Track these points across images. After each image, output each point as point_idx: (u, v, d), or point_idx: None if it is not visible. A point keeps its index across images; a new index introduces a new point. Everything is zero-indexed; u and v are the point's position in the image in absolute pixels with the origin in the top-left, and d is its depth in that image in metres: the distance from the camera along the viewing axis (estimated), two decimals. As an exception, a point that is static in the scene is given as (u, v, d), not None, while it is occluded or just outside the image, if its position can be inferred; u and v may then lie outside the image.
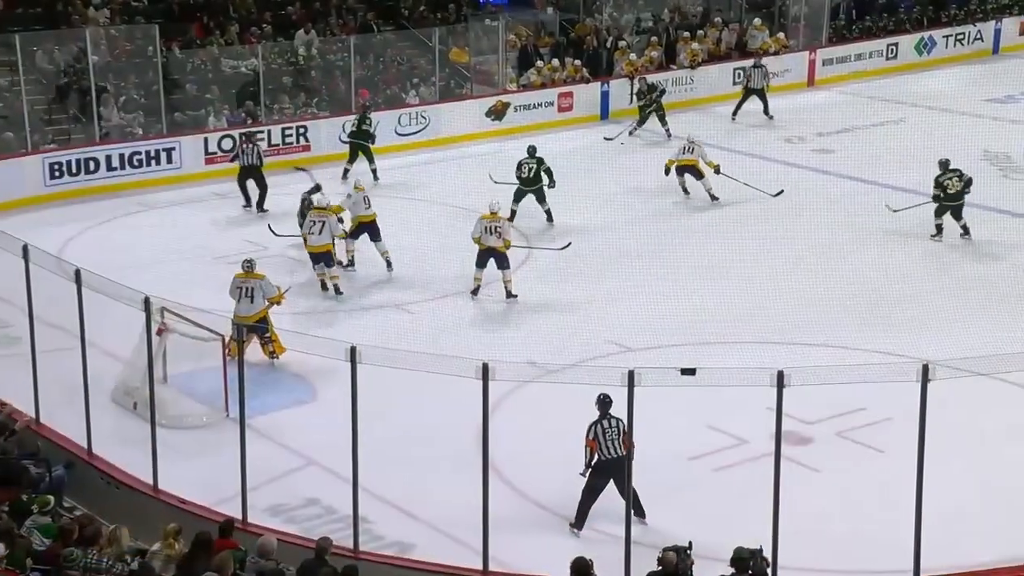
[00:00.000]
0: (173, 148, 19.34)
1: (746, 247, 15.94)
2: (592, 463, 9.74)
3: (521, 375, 11.42)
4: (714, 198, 17.91)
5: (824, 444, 11.22)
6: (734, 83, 23.94)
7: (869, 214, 17.33)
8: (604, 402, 9.72)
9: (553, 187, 16.73)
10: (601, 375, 8.86)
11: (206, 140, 19.65)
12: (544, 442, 11.15)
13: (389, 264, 15.28)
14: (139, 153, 19.11)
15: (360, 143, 19.41)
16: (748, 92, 22.73)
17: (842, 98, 24.23)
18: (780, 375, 8.32)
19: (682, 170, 18.03)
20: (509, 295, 14.36)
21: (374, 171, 19.25)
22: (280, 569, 8.13)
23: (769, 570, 8.39)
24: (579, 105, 22.66)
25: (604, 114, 22.93)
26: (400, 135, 20.99)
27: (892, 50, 26.15)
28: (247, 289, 12.68)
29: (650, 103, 21.35)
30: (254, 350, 12.49)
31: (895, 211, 16.01)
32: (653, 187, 18.51)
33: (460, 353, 12.36)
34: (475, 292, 14.43)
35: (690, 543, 8.56)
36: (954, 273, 15.19)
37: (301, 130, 20.38)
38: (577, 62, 23.07)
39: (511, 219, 16.10)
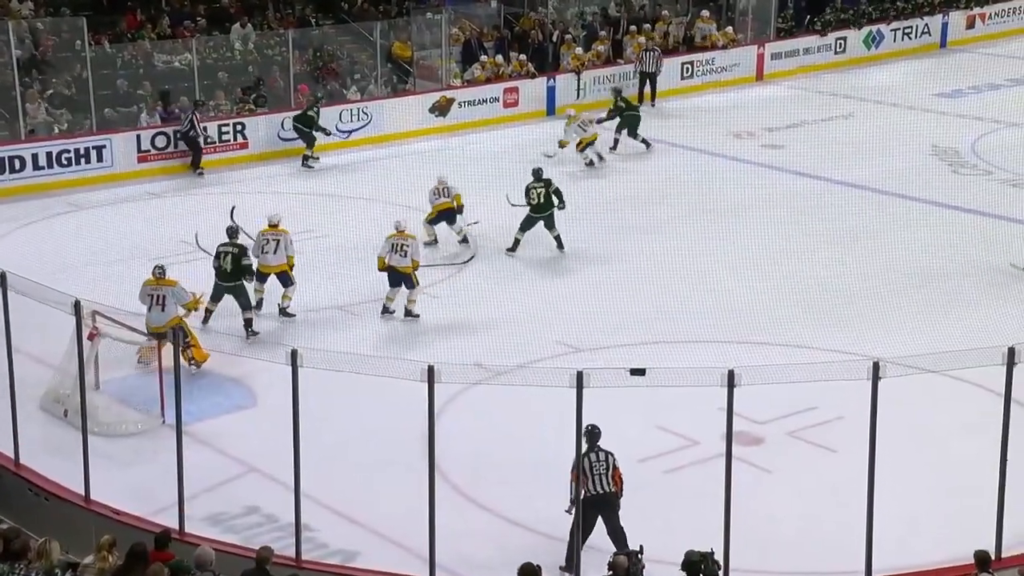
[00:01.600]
0: (104, 146, 19.08)
1: (695, 244, 16.07)
2: (577, 499, 9.08)
3: (467, 377, 11.41)
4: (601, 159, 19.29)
5: (776, 444, 11.34)
6: (682, 78, 24.14)
7: (819, 210, 17.57)
8: (592, 434, 9.25)
9: (563, 208, 15.86)
10: (549, 376, 8.87)
11: (138, 138, 19.41)
12: (491, 445, 11.17)
13: (465, 239, 15.89)
14: (68, 151, 18.83)
15: (302, 128, 19.75)
16: (643, 76, 23.08)
17: (791, 93, 24.51)
18: (731, 374, 8.39)
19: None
20: (408, 314, 13.90)
21: (305, 158, 19.74)
22: None
23: (720, 573, 8.45)
24: (525, 100, 22.70)
25: (551, 109, 22.98)
26: (341, 131, 20.88)
27: (841, 44, 26.50)
28: (158, 297, 12.40)
29: (621, 111, 20.52)
30: (165, 357, 12.20)
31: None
32: (602, 183, 18.60)
33: (405, 355, 12.41)
34: (384, 311, 13.94)
35: (640, 547, 8.60)
36: (904, 270, 15.42)
37: (239, 127, 20.22)
38: (522, 57, 23.11)
39: (513, 249, 15.77)
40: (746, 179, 19.12)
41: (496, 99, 22.56)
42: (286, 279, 13.98)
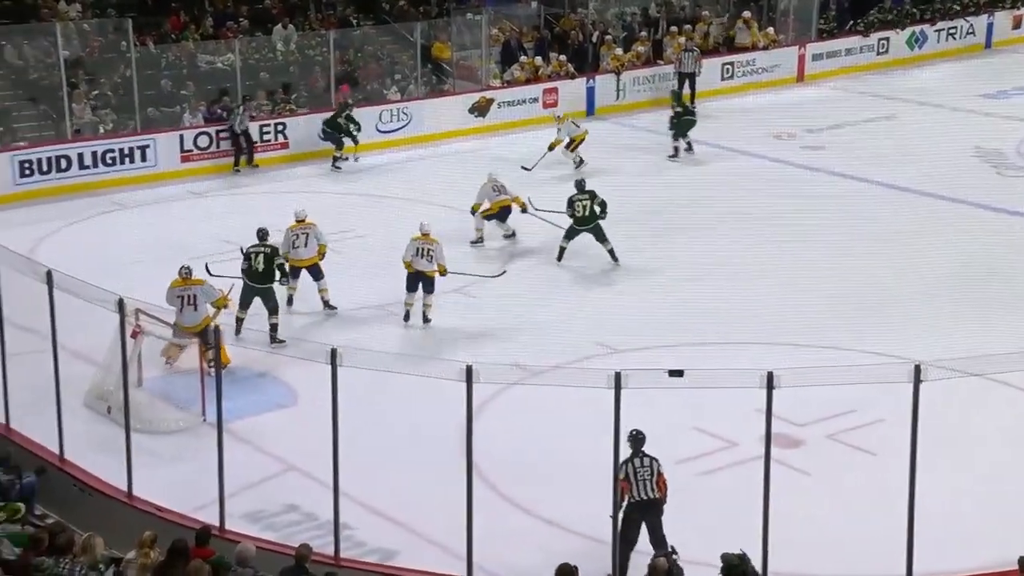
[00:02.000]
0: (147, 146, 19.26)
1: (734, 246, 15.99)
2: (623, 505, 9.02)
3: (506, 377, 11.42)
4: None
5: (815, 446, 11.26)
6: (722, 79, 24.03)
7: (859, 212, 17.42)
8: (637, 439, 9.22)
9: (604, 218, 15.42)
10: (587, 377, 8.85)
11: (181, 137, 19.59)
12: (529, 446, 11.17)
13: (513, 235, 16.05)
14: (112, 151, 19.03)
15: (330, 132, 19.84)
16: (682, 77, 22.89)
17: (832, 94, 24.34)
18: (770, 376, 8.34)
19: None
20: (426, 320, 13.74)
21: (335, 159, 19.77)
22: None
23: None
24: (564, 101, 22.68)
25: (590, 110, 22.96)
26: (381, 132, 20.97)
27: (883, 45, 26.27)
28: (189, 297, 12.42)
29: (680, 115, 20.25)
30: (189, 358, 12.31)
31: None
32: (640, 184, 18.55)
33: (444, 355, 12.44)
34: (406, 317, 13.76)
35: (672, 548, 8.58)
36: (946, 272, 15.26)
37: (279, 127, 20.35)
38: (562, 57, 23.09)
39: (559, 258, 15.49)
40: (786, 181, 18.99)
41: (535, 99, 22.56)
42: (317, 272, 14.05)
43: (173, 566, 8.02)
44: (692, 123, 20.28)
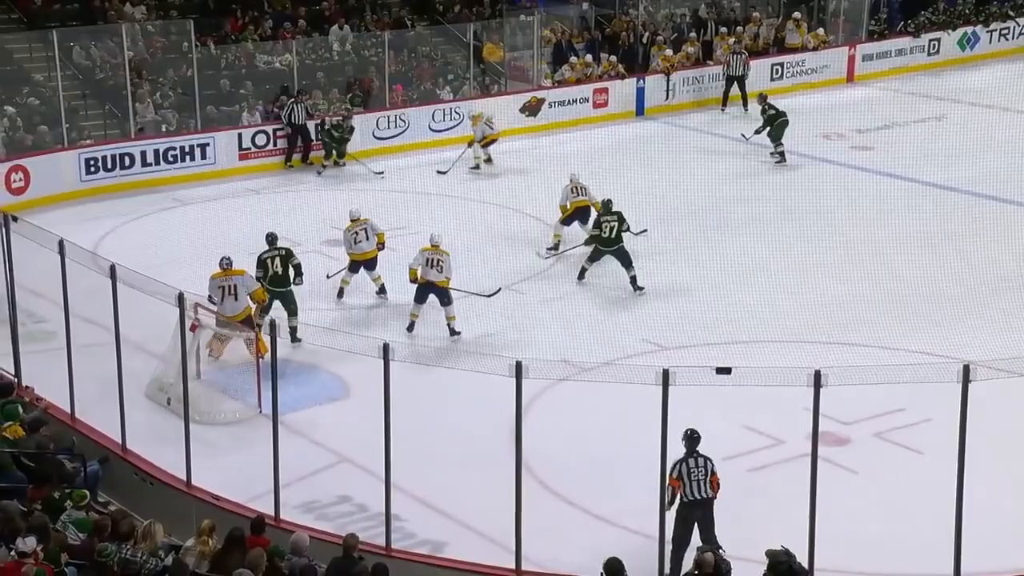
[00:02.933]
0: (207, 144, 19.50)
1: (782, 245, 15.85)
2: (675, 504, 9.04)
3: (554, 373, 11.42)
4: None
5: (862, 445, 11.16)
6: (771, 79, 23.83)
7: (909, 212, 17.19)
8: (692, 438, 9.16)
9: (627, 231, 14.76)
10: (635, 373, 8.83)
11: (240, 136, 19.80)
12: (577, 440, 11.16)
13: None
14: (173, 149, 19.29)
15: (325, 139, 19.82)
16: (729, 80, 22.63)
17: (882, 94, 24.03)
18: (817, 375, 8.28)
19: None
20: (453, 332, 13.32)
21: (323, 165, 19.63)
22: (312, 565, 8.19)
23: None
24: (614, 101, 22.62)
25: (640, 110, 22.87)
26: (433, 131, 21.04)
27: (934, 46, 25.89)
28: (229, 287, 12.54)
29: (773, 118, 19.71)
30: (232, 351, 12.49)
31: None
32: (689, 184, 18.43)
33: (493, 351, 12.47)
34: (410, 328, 13.44)
35: (719, 544, 8.54)
36: (996, 272, 15.02)
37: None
38: (612, 58, 23.03)
39: (581, 277, 14.88)
40: (835, 181, 18.80)
41: (586, 99, 22.51)
42: (373, 264, 14.28)
43: (230, 553, 8.13)
44: (786, 123, 19.70)
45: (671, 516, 9.10)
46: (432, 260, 13.36)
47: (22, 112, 19.00)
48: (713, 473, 9.23)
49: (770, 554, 8.19)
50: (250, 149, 19.78)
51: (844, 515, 9.59)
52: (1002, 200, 17.67)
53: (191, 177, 19.19)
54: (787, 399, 8.98)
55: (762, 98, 20.33)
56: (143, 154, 19.05)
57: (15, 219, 11.88)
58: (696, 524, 9.15)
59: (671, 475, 8.99)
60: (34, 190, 17.97)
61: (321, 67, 21.54)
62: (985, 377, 8.30)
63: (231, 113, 20.33)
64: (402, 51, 22.33)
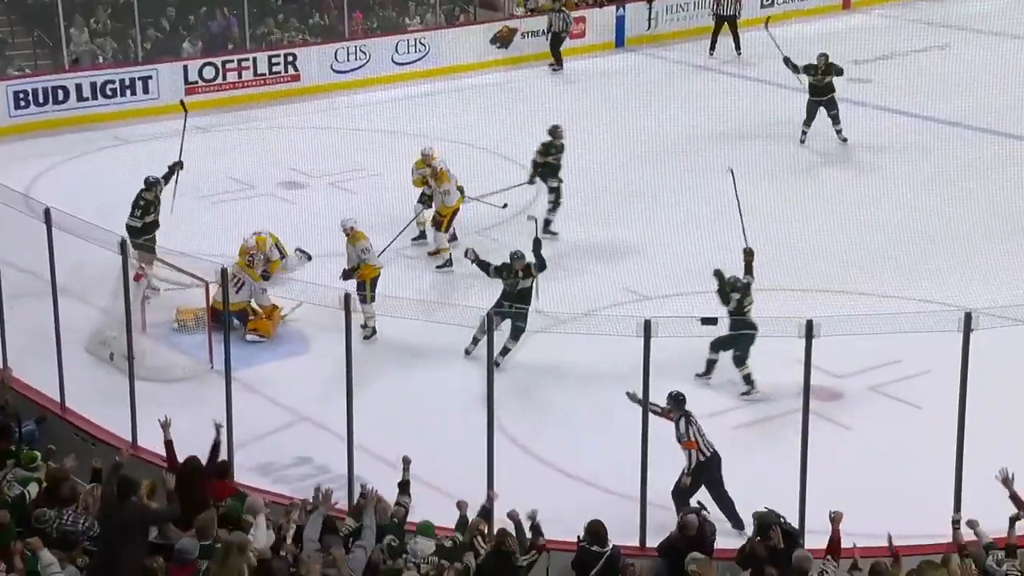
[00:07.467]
0: (150, 77, 19.26)
1: (772, 185, 15.88)
2: (692, 465, 9.35)
3: (528, 325, 11.45)
4: None
5: (856, 399, 11.27)
6: (762, 6, 23.69)
7: (908, 149, 17.24)
8: (678, 400, 9.47)
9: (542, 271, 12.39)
10: (615, 324, 8.87)
11: (185, 68, 19.57)
12: (552, 396, 11.21)
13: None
14: (112, 82, 19.05)
15: None
16: (719, 20, 22.16)
17: (881, 22, 24.01)
18: (809, 324, 8.33)
19: None
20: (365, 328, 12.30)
21: None
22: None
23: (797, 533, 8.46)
24: (592, 31, 22.49)
25: (619, 41, 22.75)
26: (397, 64, 20.87)
27: (937, -31, 25.84)
28: (237, 281, 12.33)
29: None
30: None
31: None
32: (675, 120, 18.39)
33: (461, 302, 12.47)
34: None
35: (700, 503, 8.65)
36: (1001, 213, 15.13)
37: (289, 58, 20.27)
38: (590, -18, 22.88)
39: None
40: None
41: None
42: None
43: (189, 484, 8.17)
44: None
45: (663, 479, 9.16)
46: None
47: (-59, 41, 18.77)
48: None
49: (758, 516, 8.29)
50: (197, 83, 19.55)
51: (837, 473, 9.70)
52: (1007, 135, 17.75)
53: (132, 113, 18.97)
54: (778, 351, 9.04)
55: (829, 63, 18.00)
56: (78, 87, 18.79)
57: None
58: (705, 484, 9.34)
59: (686, 439, 9.27)
60: (-43, 127, 17.81)
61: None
62: (988, 326, 8.38)
63: (175, 42, 20.01)
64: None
